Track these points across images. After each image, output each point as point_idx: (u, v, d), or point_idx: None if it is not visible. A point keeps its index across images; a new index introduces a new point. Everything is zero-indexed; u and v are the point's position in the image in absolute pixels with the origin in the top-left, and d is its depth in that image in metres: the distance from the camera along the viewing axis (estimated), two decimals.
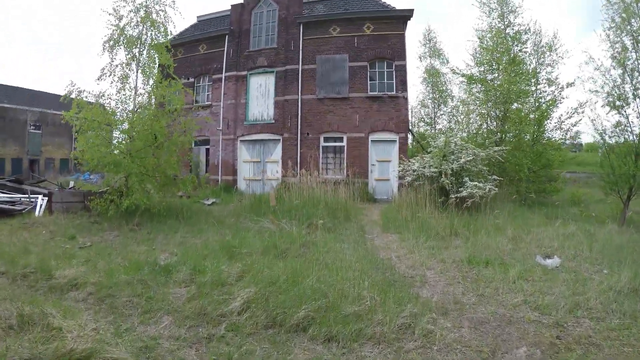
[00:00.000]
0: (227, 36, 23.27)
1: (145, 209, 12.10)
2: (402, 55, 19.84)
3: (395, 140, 19.39)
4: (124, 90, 13.02)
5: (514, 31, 19.90)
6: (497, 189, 12.47)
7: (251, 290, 5.37)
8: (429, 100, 31.88)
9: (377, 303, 5.11)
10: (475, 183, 12.26)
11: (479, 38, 20.76)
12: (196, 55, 24.56)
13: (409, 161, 14.39)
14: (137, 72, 13.37)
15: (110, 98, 12.93)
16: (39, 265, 6.97)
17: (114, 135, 13.43)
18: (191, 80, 24.34)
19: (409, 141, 22.33)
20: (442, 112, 31.22)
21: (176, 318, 5.02)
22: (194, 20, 27.81)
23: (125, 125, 12.94)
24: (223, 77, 23.00)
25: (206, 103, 23.75)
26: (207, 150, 23.58)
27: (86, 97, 12.46)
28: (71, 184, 20.99)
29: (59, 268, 6.83)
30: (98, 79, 12.87)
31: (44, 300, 5.47)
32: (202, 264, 7.00)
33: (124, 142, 12.94)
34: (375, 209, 15.40)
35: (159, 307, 5.32)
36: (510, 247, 8.40)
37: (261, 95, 22.19)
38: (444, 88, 31.30)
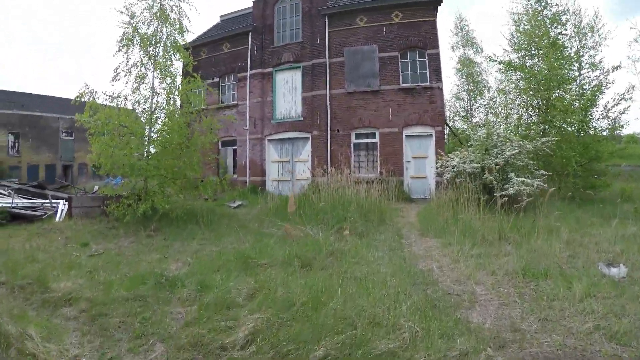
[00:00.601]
0: (250, 33, 22.52)
1: (164, 214, 11.41)
2: (434, 43, 18.53)
3: (432, 135, 18.03)
4: (139, 90, 12.39)
5: (552, 12, 18.49)
6: (545, 185, 11.17)
7: (260, 317, 4.34)
8: (464, 92, 30.41)
9: (417, 335, 3.99)
10: (523, 179, 10.96)
11: (514, 21, 19.45)
12: (220, 54, 23.95)
13: (448, 156, 13.13)
14: (153, 71, 12.64)
15: (126, 99, 12.32)
16: (38, 275, 6.34)
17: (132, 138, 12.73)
18: (216, 80, 23.76)
19: (446, 135, 20.95)
20: (478, 105, 29.71)
21: (170, 347, 4.09)
22: (217, 21, 27.28)
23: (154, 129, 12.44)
24: (248, 75, 22.22)
25: (232, 102, 23.06)
26: (234, 151, 22.82)
27: (98, 97, 11.80)
28: (95, 188, 20.54)
29: (57, 279, 6.17)
30: (113, 80, 12.22)
31: (36, 315, 4.99)
32: (212, 277, 6.07)
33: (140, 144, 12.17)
34: (411, 209, 14.23)
35: (154, 332, 4.44)
36: (568, 254, 7.11)
37: (288, 91, 21.27)
38: (479, 79, 29.80)
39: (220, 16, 27.03)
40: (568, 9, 18.39)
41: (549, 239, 7.82)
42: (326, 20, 20.26)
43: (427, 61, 18.47)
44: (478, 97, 29.53)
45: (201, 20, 22.59)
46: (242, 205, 16.29)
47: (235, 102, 22.88)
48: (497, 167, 11.21)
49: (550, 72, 15.86)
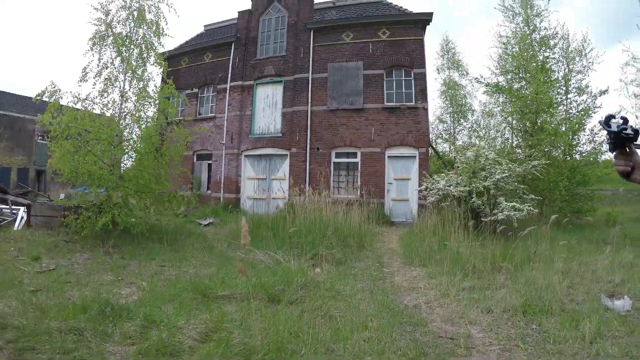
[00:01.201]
0: (233, 44, 21.74)
1: (126, 229, 10.43)
2: (421, 63, 18.00)
3: (415, 156, 17.34)
4: (108, 93, 11.51)
5: (540, 36, 18.43)
6: (535, 210, 10.57)
7: None
8: (448, 115, 30.10)
9: None
10: (514, 204, 10.31)
11: (503, 44, 19.39)
12: (201, 64, 23.12)
13: (433, 179, 12.42)
14: (124, 74, 11.78)
15: (93, 102, 11.36)
16: None
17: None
18: (195, 90, 22.96)
19: (430, 157, 20.35)
20: (461, 128, 29.42)
21: None
22: (201, 30, 26.54)
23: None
24: (228, 87, 21.39)
25: (210, 115, 22.16)
26: (210, 165, 21.85)
27: (61, 98, 10.87)
28: (61, 196, 19.34)
29: None
30: (81, 80, 11.29)
31: None
32: (162, 310, 5.14)
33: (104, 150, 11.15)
34: (393, 233, 13.45)
35: None
36: (566, 285, 6.38)
37: (268, 106, 20.47)
38: (464, 102, 29.56)
39: (205, 25, 26.26)
40: (557, 33, 18.56)
41: (544, 269, 7.13)
42: (312, 35, 19.64)
43: (413, 80, 17.90)
44: (462, 120, 29.25)
45: (187, 31, 21.82)
46: (213, 224, 15.36)
47: (213, 115, 21.99)
48: (485, 190, 10.55)
49: (538, 95, 15.60)
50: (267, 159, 20.02)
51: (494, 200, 10.80)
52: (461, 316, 5.38)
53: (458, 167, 12.27)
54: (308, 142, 18.78)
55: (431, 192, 11.93)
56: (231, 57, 21.65)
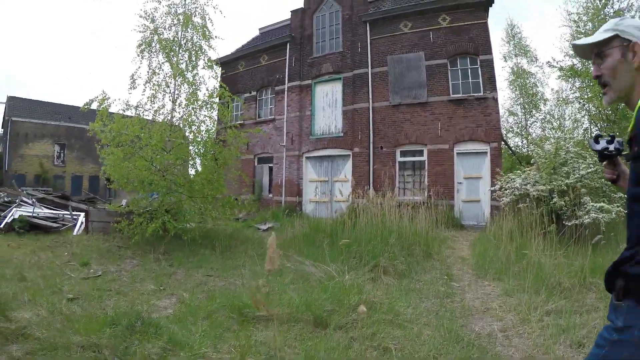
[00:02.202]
0: (288, 44, 21.34)
1: (177, 235, 10.23)
2: (487, 48, 16.56)
3: (486, 152, 15.93)
4: (158, 98, 11.47)
5: (614, 10, 16.47)
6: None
7: None
8: (518, 106, 27.93)
9: None
10: (602, 204, 8.94)
11: (574, 22, 17.62)
12: (257, 67, 22.91)
13: (508, 177, 11.15)
14: (174, 79, 11.58)
15: (143, 108, 11.39)
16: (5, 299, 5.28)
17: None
18: (253, 93, 22.77)
19: (502, 152, 18.82)
20: (534, 119, 27.23)
21: None
22: (256, 33, 26.32)
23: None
24: (286, 88, 20.94)
25: (269, 117, 21.85)
26: (270, 168, 21.49)
27: (110, 105, 10.91)
28: (123, 202, 19.62)
29: (22, 307, 5.17)
30: (130, 88, 11.34)
31: None
32: (192, 330, 4.64)
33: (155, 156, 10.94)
34: (463, 239, 12.26)
35: None
36: None
37: (328, 105, 19.76)
38: (534, 91, 27.38)
39: (260, 29, 26.13)
40: (632, 5, 16.37)
41: None
42: (368, 28, 18.71)
43: (479, 68, 16.50)
44: (533, 111, 27.12)
45: (244, 35, 21.65)
46: (273, 228, 14.79)
47: (272, 117, 21.63)
48: (568, 188, 9.24)
49: None
50: (329, 160, 19.32)
51: (577, 200, 9.48)
52: (546, 351, 4.36)
53: (536, 162, 10.94)
54: (371, 140, 17.88)
55: (506, 192, 10.67)
56: (287, 57, 21.19)
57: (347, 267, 7.62)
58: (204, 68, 12.44)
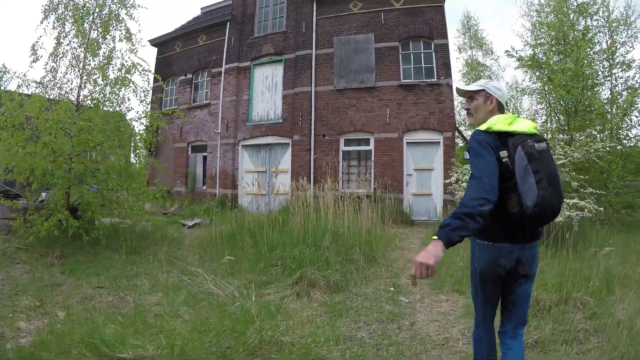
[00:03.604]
0: (228, 23, 19.31)
1: (78, 235, 8.31)
2: (442, 32, 15.23)
3: (439, 142, 14.60)
4: (57, 72, 9.36)
5: (578, 2, 15.64)
6: (600, 207, 7.95)
7: None
8: None
9: None
10: (575, 201, 7.68)
11: (536, 12, 16.85)
12: (195, 47, 20.84)
13: (465, 168, 9.73)
14: (85, 51, 9.48)
15: (46, 85, 9.36)
16: None
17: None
18: (189, 76, 20.71)
19: (457, 142, 17.55)
20: None
21: None
22: (198, 13, 24.24)
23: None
24: (223, 71, 18.96)
25: (204, 102, 19.77)
26: (205, 158, 19.47)
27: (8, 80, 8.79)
28: (43, 196, 17.23)
29: None
30: (33, 61, 9.16)
31: None
32: None
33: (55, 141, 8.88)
34: (413, 237, 10.81)
35: None
36: None
37: (267, 89, 17.94)
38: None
39: (202, 8, 23.92)
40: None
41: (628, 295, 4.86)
42: (314, 6, 17.00)
43: (433, 53, 15.14)
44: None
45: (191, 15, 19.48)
46: (199, 225, 12.99)
47: (207, 102, 19.59)
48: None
49: (583, 67, 13.17)
50: (267, 149, 17.51)
51: None
52: None
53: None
54: (312, 127, 16.19)
55: (462, 184, 9.26)
56: (226, 37, 19.21)
57: (267, 278, 5.98)
58: (120, 40, 10.39)
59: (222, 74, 18.94)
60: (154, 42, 22.69)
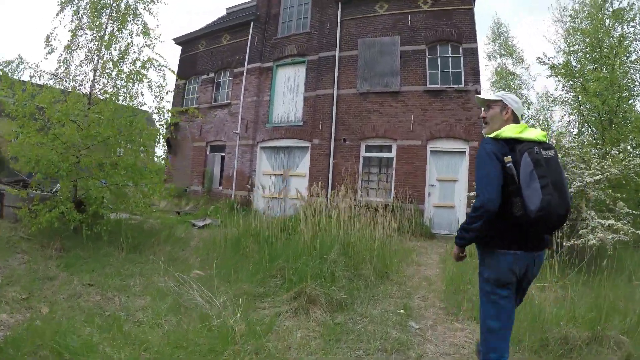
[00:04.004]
0: (252, 23, 18.98)
1: (79, 228, 8.17)
2: (471, 36, 14.50)
3: (465, 151, 13.79)
4: (73, 64, 9.23)
5: (614, 8, 14.82)
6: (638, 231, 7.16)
7: None
8: None
9: None
10: (611, 222, 6.94)
11: (570, 17, 16.11)
12: (218, 47, 20.61)
13: None
14: (100, 44, 9.32)
15: (59, 77, 9.21)
16: None
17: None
18: (211, 75, 20.46)
19: None
20: None
21: None
22: (223, 13, 24.00)
23: None
24: (245, 70, 18.58)
25: (225, 101, 19.42)
26: (223, 158, 19.11)
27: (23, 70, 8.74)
28: (58, 186, 17.19)
29: None
30: (48, 53, 9.03)
31: None
32: None
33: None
34: (432, 251, 10.09)
35: None
36: None
37: (288, 90, 17.47)
38: (519, 93, 25.71)
39: (227, 8, 23.70)
40: (633, 4, 14.72)
41: None
42: (339, 7, 16.48)
43: (462, 58, 14.43)
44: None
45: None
46: (209, 226, 12.58)
47: (228, 101, 19.24)
48: (586, 197, 7.25)
49: (616, 76, 12.38)
50: (286, 151, 17.00)
51: (578, 214, 7.46)
52: None
53: None
54: (333, 131, 15.59)
55: None
56: (249, 37, 18.85)
57: (264, 290, 5.44)
58: (137, 35, 10.10)
59: (244, 74, 18.57)
60: (178, 41, 22.58)
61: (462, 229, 2.67)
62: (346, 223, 7.86)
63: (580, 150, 8.43)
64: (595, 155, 8.69)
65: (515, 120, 2.83)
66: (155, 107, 9.79)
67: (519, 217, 2.44)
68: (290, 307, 4.91)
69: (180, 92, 21.74)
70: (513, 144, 2.55)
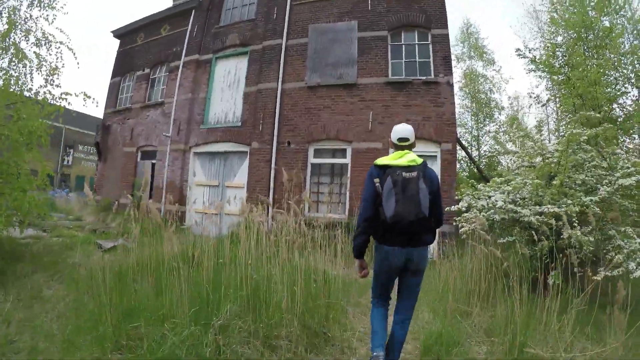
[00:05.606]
0: (193, 11, 16.31)
1: None
2: (442, 21, 12.25)
3: (436, 155, 11.29)
4: None
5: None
6: None
7: None
8: (468, 115, 24.09)
9: None
10: (637, 246, 4.66)
11: (551, 4, 15.52)
12: (157, 39, 18.01)
13: (483, 188, 6.43)
14: None
15: None
16: None
17: None
18: (147, 71, 17.64)
19: (458, 157, 14.26)
20: (487, 130, 23.50)
21: None
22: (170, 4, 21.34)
23: None
24: (181, 64, 15.88)
25: (159, 100, 16.67)
26: (153, 165, 16.22)
27: None
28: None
29: None
30: None
31: None
32: None
33: None
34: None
35: None
36: None
37: (228, 86, 14.85)
38: (488, 97, 23.77)
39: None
40: None
41: None
42: None
43: (430, 45, 12.12)
44: (487, 121, 23.38)
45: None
46: (117, 248, 9.94)
47: (162, 100, 16.48)
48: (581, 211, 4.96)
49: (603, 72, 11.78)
50: (222, 157, 14.28)
51: (601, 232, 5.09)
52: None
53: (518, 166, 6.41)
54: (275, 133, 12.95)
55: (481, 214, 5.92)
56: (189, 27, 16.20)
57: None
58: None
59: (180, 68, 15.89)
60: (117, 34, 19.91)
61: (353, 243, 3.47)
62: (271, 248, 5.28)
63: (602, 145, 6.01)
64: (618, 149, 6.21)
65: (396, 147, 3.55)
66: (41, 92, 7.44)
67: (382, 221, 3.18)
68: None
69: (114, 91, 18.97)
70: (385, 169, 3.31)
